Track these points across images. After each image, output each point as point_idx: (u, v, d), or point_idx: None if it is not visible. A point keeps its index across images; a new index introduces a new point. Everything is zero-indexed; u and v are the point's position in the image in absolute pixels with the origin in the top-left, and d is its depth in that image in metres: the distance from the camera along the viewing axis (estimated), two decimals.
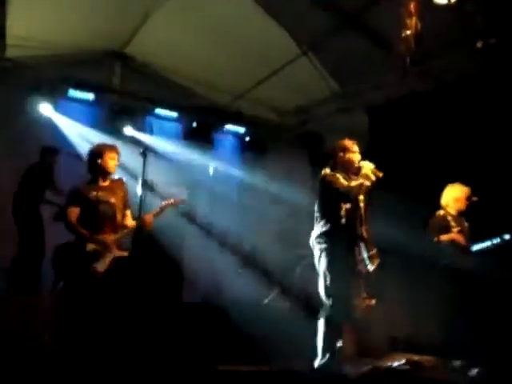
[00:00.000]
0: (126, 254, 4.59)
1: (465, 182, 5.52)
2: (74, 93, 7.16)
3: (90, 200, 4.52)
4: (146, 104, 7.74)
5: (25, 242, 6.39)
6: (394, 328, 5.85)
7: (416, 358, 5.13)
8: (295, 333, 5.36)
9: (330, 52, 6.59)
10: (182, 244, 7.38)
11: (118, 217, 4.62)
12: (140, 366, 4.21)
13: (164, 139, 7.99)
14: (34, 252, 6.34)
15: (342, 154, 4.64)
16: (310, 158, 8.72)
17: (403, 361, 4.86)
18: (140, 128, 7.79)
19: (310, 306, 5.06)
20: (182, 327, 5.36)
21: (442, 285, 5.22)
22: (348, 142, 4.69)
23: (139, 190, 4.67)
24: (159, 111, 7.86)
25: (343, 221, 4.44)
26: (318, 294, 4.59)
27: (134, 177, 6.10)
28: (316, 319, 4.52)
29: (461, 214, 5.50)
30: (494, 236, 5.21)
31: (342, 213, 4.45)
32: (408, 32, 4.79)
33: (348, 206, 4.47)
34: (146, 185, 4.64)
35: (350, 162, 4.61)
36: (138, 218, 4.65)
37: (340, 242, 4.43)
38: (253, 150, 8.70)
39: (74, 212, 4.51)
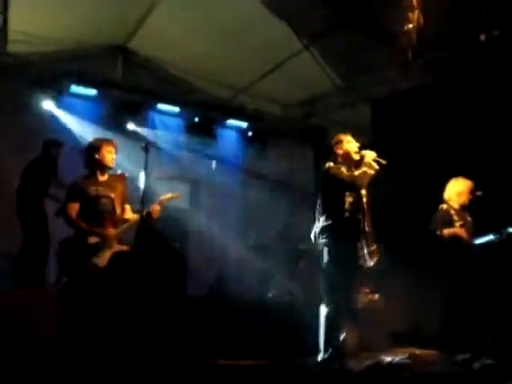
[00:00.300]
0: (126, 248, 4.60)
1: (468, 176, 5.51)
2: (76, 88, 7.17)
3: (89, 195, 4.53)
4: (148, 99, 7.74)
5: (29, 236, 6.41)
6: (396, 322, 5.84)
7: (418, 352, 5.12)
8: (298, 327, 5.38)
9: (332, 46, 6.57)
10: (186, 237, 7.39)
11: (118, 211, 4.63)
12: (143, 360, 4.22)
13: (166, 134, 8.00)
14: (38, 246, 6.36)
15: (338, 147, 4.67)
16: (313, 153, 8.71)
17: (405, 355, 4.86)
18: (142, 123, 7.79)
19: (313, 301, 5.06)
20: (185, 320, 5.37)
21: (444, 279, 5.22)
22: (342, 135, 4.72)
23: (141, 185, 4.67)
24: (161, 106, 7.86)
25: (347, 214, 4.45)
26: (320, 288, 4.60)
27: (136, 171, 6.13)
28: (318, 314, 4.52)
29: (464, 208, 5.49)
30: (497, 230, 5.19)
31: (346, 206, 4.46)
32: (410, 25, 4.78)
33: (351, 199, 4.47)
34: (148, 178, 4.64)
35: (348, 153, 4.63)
36: (138, 211, 4.65)
37: (343, 236, 4.42)
38: (255, 144, 8.69)
39: (74, 207, 4.52)
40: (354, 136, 4.74)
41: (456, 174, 5.57)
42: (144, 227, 4.73)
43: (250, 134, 8.63)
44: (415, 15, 4.71)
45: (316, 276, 4.82)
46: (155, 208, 4.69)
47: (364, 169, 4.47)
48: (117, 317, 4.40)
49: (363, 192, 4.59)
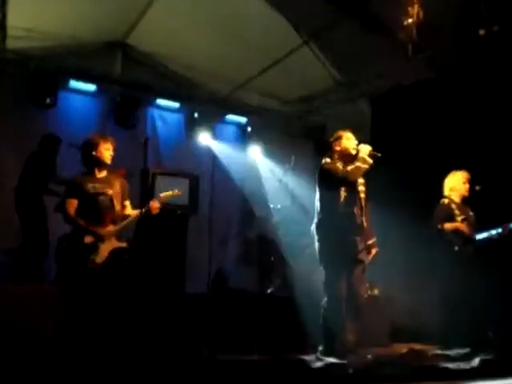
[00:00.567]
0: (124, 245, 4.60)
1: (470, 171, 5.50)
2: (75, 83, 7.16)
3: (88, 192, 4.51)
4: (147, 94, 7.73)
5: (28, 231, 6.40)
6: (396, 318, 5.86)
7: (418, 347, 5.13)
8: (298, 322, 5.37)
9: (331, 41, 6.56)
10: (185, 234, 7.38)
11: (117, 208, 4.61)
12: (142, 357, 4.22)
13: (165, 129, 7.98)
14: (37, 242, 6.36)
15: (336, 143, 4.66)
16: (313, 148, 8.70)
17: (405, 350, 4.86)
18: (141, 118, 7.78)
19: (313, 296, 5.06)
20: (184, 318, 5.37)
21: (445, 273, 5.22)
22: (341, 131, 4.70)
23: (140, 181, 4.67)
24: (161, 101, 7.86)
25: (341, 209, 4.44)
26: (320, 283, 4.60)
27: (135, 167, 6.13)
28: (318, 309, 4.53)
29: (465, 203, 5.48)
30: (498, 225, 5.19)
31: (341, 201, 4.46)
32: (410, 20, 4.77)
33: (346, 194, 4.47)
34: (147, 175, 4.64)
35: (345, 150, 4.62)
36: (139, 207, 4.65)
37: (337, 230, 4.42)
38: (255, 140, 8.67)
39: (72, 204, 4.50)
40: (353, 132, 4.73)
41: (456, 169, 5.56)
42: (143, 224, 4.72)
43: (249, 129, 8.62)
44: (415, 10, 4.71)
45: (316, 271, 4.81)
46: (154, 205, 4.67)
47: (357, 164, 4.46)
48: (115, 314, 4.39)
49: (360, 188, 4.59)
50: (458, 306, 5.03)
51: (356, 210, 4.50)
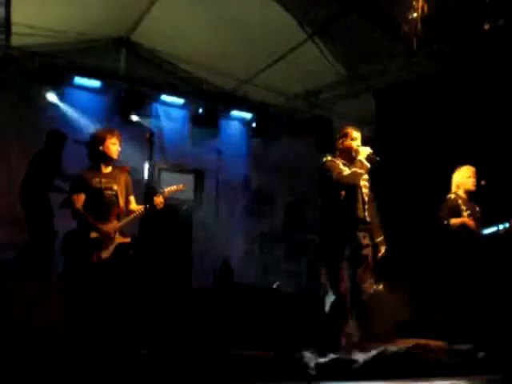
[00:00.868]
0: (128, 240, 4.60)
1: (475, 165, 5.47)
2: (79, 80, 7.17)
3: (94, 187, 4.52)
4: (152, 90, 7.74)
5: (34, 228, 6.43)
6: (401, 312, 5.84)
7: (423, 342, 5.12)
8: (303, 318, 5.38)
9: (336, 36, 6.55)
10: (190, 229, 7.40)
11: (121, 203, 4.62)
12: (148, 352, 4.24)
13: (170, 125, 7.99)
14: (43, 238, 6.38)
15: (341, 141, 4.60)
16: (317, 143, 8.68)
17: (410, 345, 4.86)
18: (146, 114, 7.78)
19: (318, 291, 5.07)
20: (190, 313, 5.38)
21: (450, 268, 5.21)
22: (348, 128, 4.62)
23: (145, 176, 4.67)
24: (165, 98, 7.87)
25: (343, 205, 4.42)
26: (324, 279, 4.60)
27: (140, 163, 6.13)
28: (323, 304, 4.53)
29: (472, 198, 5.46)
30: (504, 220, 5.18)
31: (342, 197, 4.43)
32: (415, 14, 4.75)
33: (348, 190, 4.44)
34: (152, 170, 4.63)
35: (348, 149, 4.55)
36: (144, 202, 4.66)
37: (339, 226, 4.41)
38: (259, 135, 8.67)
39: (79, 199, 4.51)
40: (358, 127, 4.67)
41: (462, 164, 5.54)
42: (148, 219, 4.72)
43: (254, 124, 8.62)
44: (419, 3, 4.68)
45: (322, 266, 4.81)
46: (159, 199, 4.67)
47: (354, 169, 4.40)
48: (121, 309, 4.41)
49: (362, 183, 4.55)
50: (463, 300, 5.03)
51: (358, 206, 4.48)
